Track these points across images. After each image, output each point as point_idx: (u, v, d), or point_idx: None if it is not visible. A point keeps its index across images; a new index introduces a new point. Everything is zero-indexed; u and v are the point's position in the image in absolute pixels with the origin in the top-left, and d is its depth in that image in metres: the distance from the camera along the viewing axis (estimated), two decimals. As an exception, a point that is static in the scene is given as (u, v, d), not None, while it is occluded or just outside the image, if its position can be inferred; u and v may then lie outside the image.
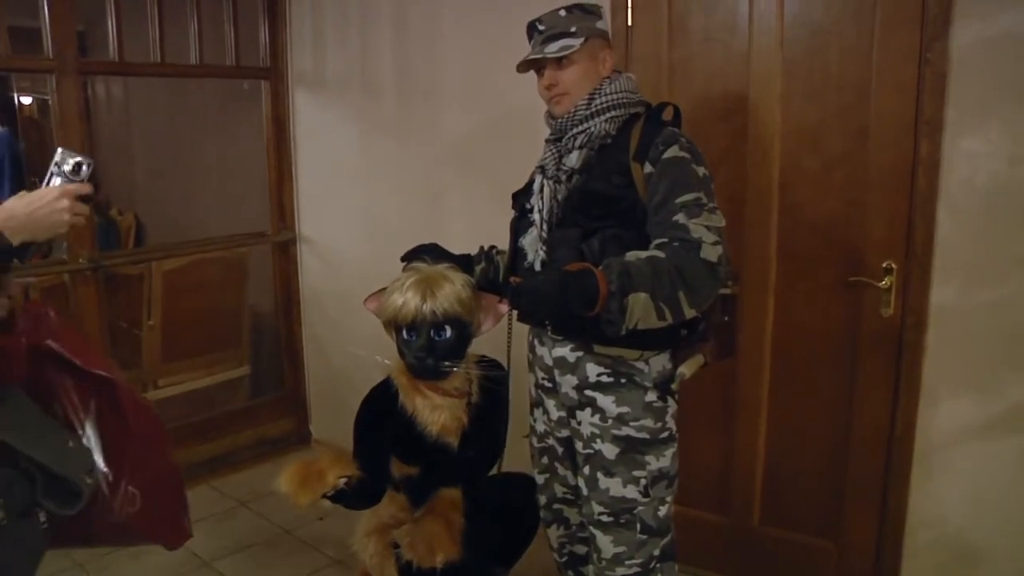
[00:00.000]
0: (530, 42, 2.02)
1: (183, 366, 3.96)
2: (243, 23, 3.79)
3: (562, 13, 1.96)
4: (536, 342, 2.13)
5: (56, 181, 1.58)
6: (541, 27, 1.98)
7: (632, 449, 1.97)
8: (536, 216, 2.02)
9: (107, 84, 5.84)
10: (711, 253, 1.75)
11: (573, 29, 1.93)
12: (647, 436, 1.96)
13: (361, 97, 3.64)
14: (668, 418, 2.00)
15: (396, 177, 3.58)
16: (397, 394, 2.15)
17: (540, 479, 2.27)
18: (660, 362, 1.97)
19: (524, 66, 2.03)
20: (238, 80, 4.10)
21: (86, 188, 1.59)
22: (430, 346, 2.03)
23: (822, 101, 2.40)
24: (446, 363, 2.05)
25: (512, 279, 1.80)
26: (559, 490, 2.23)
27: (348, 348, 3.70)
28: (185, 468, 3.54)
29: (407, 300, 2.00)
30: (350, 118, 3.70)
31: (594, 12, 1.99)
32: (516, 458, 2.37)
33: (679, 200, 1.80)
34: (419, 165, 3.48)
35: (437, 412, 2.11)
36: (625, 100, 1.97)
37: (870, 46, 2.29)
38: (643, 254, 1.75)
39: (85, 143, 3.36)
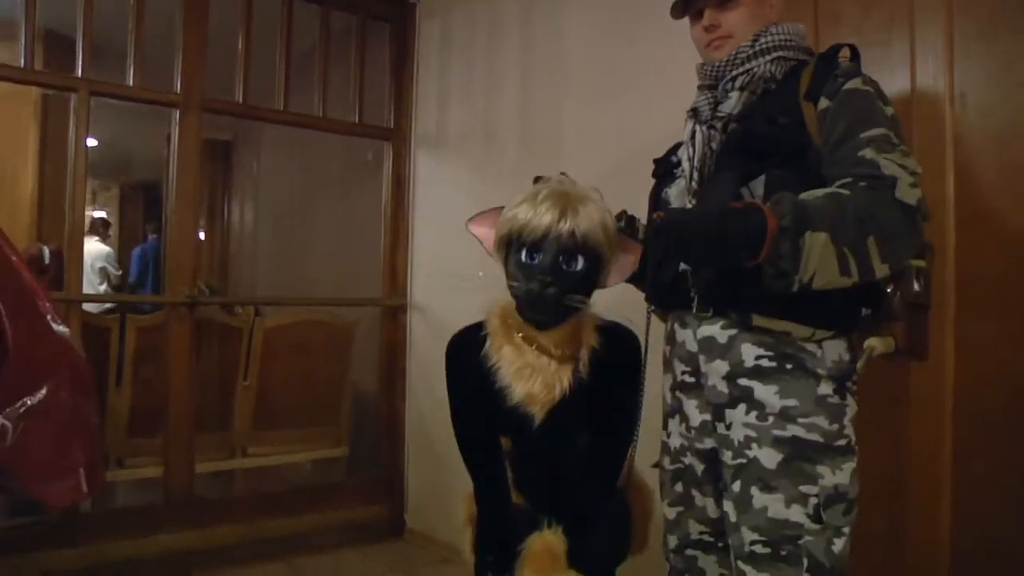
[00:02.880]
0: None
1: (276, 436, 3.69)
2: (369, 83, 3.78)
3: None
4: (677, 326, 1.72)
5: None
6: None
7: (799, 456, 1.50)
8: (686, 164, 1.68)
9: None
10: (909, 195, 1.39)
11: None
12: (820, 439, 1.50)
13: (482, 155, 3.48)
14: (846, 421, 1.53)
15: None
16: (485, 338, 1.70)
17: (672, 513, 1.77)
18: (836, 349, 1.54)
19: (679, 10, 1.75)
20: (363, 146, 4.06)
21: None
22: (556, 272, 1.59)
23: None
24: (576, 297, 1.59)
25: (656, 214, 1.41)
26: (695, 529, 1.73)
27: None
28: (261, 542, 3.32)
29: (540, 213, 1.56)
30: (469, 180, 3.53)
31: None
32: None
33: (865, 135, 1.45)
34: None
35: (526, 373, 1.64)
36: (793, 43, 1.66)
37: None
38: (821, 191, 1.40)
39: (201, 178, 3.31)
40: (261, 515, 3.38)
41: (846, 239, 1.34)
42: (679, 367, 1.71)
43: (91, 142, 3.08)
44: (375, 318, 3.90)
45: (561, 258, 1.57)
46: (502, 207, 1.68)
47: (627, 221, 1.86)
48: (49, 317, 1.61)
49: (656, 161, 1.86)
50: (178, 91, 3.22)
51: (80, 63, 3.02)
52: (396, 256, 3.84)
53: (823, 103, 1.52)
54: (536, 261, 1.58)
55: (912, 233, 1.41)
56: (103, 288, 6.41)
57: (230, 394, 3.62)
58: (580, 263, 1.58)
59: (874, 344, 1.51)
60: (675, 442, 1.75)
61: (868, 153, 1.43)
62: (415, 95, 3.83)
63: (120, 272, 6.67)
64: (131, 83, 3.13)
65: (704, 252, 1.42)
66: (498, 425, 1.73)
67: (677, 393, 1.73)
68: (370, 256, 3.92)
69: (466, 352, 1.72)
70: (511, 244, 1.63)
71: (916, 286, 1.55)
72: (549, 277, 1.56)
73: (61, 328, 1.63)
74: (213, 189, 6.67)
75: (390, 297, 3.82)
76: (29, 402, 1.57)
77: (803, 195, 1.38)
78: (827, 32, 2.23)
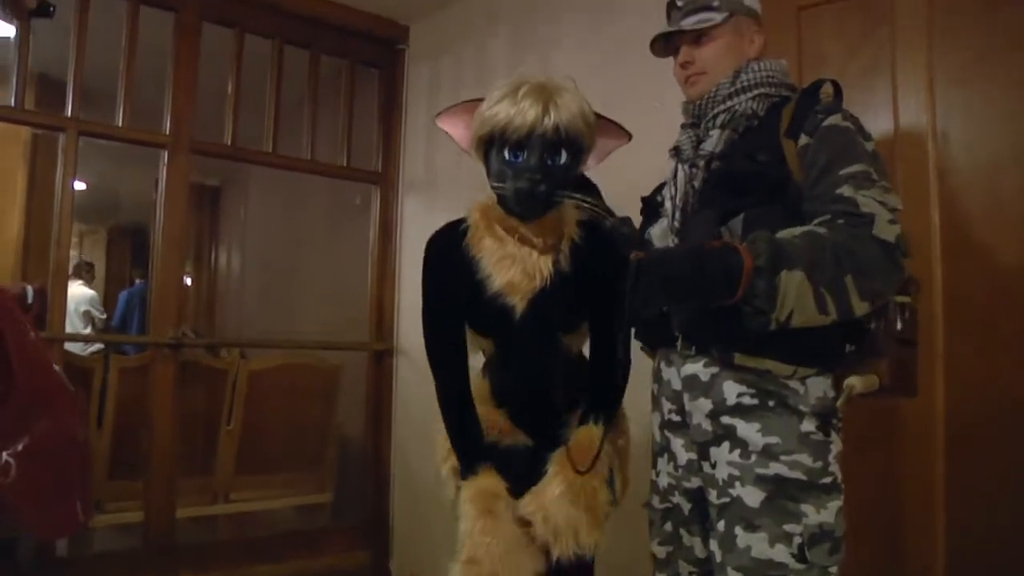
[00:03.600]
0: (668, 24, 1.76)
1: (259, 481, 3.62)
2: (358, 127, 3.80)
3: None
4: (663, 364, 1.71)
5: None
6: (680, 3, 1.72)
7: (783, 494, 1.47)
8: (668, 204, 1.69)
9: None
10: (887, 231, 1.38)
11: (715, 3, 1.66)
12: (803, 477, 1.47)
13: (470, 199, 3.47)
14: (831, 459, 1.51)
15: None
16: (465, 232, 1.73)
17: (661, 553, 1.74)
18: (820, 387, 1.52)
19: (660, 49, 1.77)
20: (351, 190, 4.07)
21: None
22: (543, 169, 1.61)
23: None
24: (562, 192, 1.62)
25: (634, 254, 1.40)
26: (685, 568, 1.70)
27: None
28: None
29: (523, 110, 1.58)
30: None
31: None
32: (630, 531, 1.88)
33: (844, 171, 1.45)
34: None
35: (506, 262, 1.67)
36: (775, 80, 1.65)
37: None
38: (798, 230, 1.40)
39: (188, 220, 3.29)
40: (243, 562, 3.29)
41: (823, 277, 1.33)
42: (666, 405, 1.70)
43: (79, 185, 3.07)
44: (361, 362, 3.85)
45: (545, 155, 1.61)
46: (474, 100, 1.72)
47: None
48: (48, 354, 1.60)
49: (644, 200, 1.86)
50: (167, 132, 3.22)
51: (70, 103, 3.02)
52: (383, 300, 3.81)
53: (803, 139, 1.52)
54: (521, 160, 1.61)
55: (891, 270, 1.40)
56: (87, 332, 6.36)
57: (213, 438, 3.56)
58: (564, 157, 1.63)
59: (853, 383, 1.47)
60: (663, 481, 1.73)
61: (846, 190, 1.42)
62: (403, 139, 3.84)
63: (105, 316, 6.62)
64: (120, 124, 3.13)
65: (682, 292, 1.42)
66: (479, 322, 1.74)
67: (665, 431, 1.71)
68: (357, 300, 3.90)
69: (447, 246, 1.75)
70: (492, 142, 1.65)
71: (900, 322, 1.53)
72: (538, 175, 1.60)
73: (55, 366, 1.62)
74: (201, 235, 6.67)
75: (377, 341, 3.78)
76: (31, 437, 1.54)
77: (781, 233, 1.39)
78: (811, 73, 2.25)
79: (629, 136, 1.79)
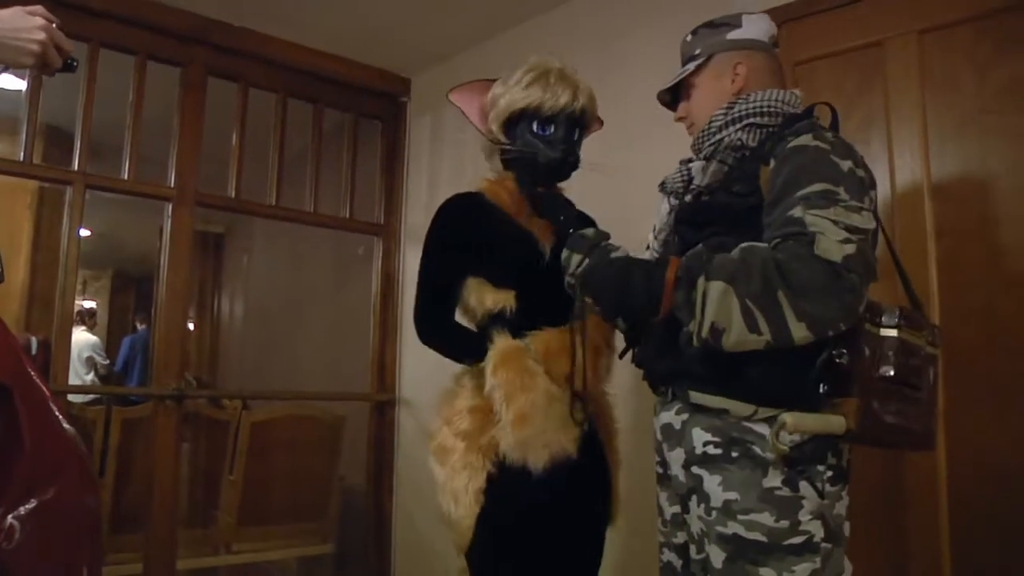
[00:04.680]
0: None
1: (261, 532, 3.59)
2: (360, 179, 3.83)
3: (688, 38, 1.72)
4: (653, 415, 1.69)
5: None
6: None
7: (742, 556, 1.39)
8: (650, 238, 1.72)
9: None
10: (832, 250, 1.25)
11: (697, 52, 1.68)
12: (762, 538, 1.37)
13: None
14: (803, 515, 1.38)
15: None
16: (480, 193, 1.90)
17: None
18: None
19: (676, 111, 1.78)
20: (354, 240, 4.08)
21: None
22: (570, 143, 1.87)
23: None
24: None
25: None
26: None
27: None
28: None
29: (556, 94, 1.82)
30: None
31: (726, 23, 1.67)
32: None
33: (800, 193, 1.33)
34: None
35: (526, 218, 1.85)
36: (771, 109, 1.55)
37: None
38: (739, 246, 1.34)
39: (192, 271, 3.31)
40: (242, 615, 3.27)
41: (750, 291, 1.25)
42: (656, 457, 1.68)
43: (84, 232, 3.08)
44: (364, 413, 3.84)
45: (568, 130, 1.86)
46: (484, 80, 1.96)
47: None
48: (60, 416, 1.56)
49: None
50: (172, 185, 3.25)
51: (77, 157, 3.04)
52: (385, 351, 3.82)
53: (771, 164, 1.44)
54: (550, 133, 1.85)
55: (833, 290, 1.25)
56: (89, 377, 6.36)
57: (215, 488, 3.55)
58: (578, 133, 1.90)
59: (785, 419, 1.29)
60: (658, 538, 1.71)
61: (797, 212, 1.32)
62: (405, 190, 3.88)
63: (108, 362, 6.62)
64: (126, 176, 3.16)
65: (610, 305, 1.49)
66: (502, 266, 1.81)
67: (659, 486, 1.69)
68: (359, 350, 3.90)
69: (464, 201, 1.90)
70: (521, 119, 1.86)
71: (881, 359, 1.34)
72: (567, 145, 1.85)
73: (68, 427, 1.58)
74: (204, 281, 6.70)
75: (379, 392, 3.78)
76: (39, 501, 1.51)
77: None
78: (807, 129, 2.29)
79: (601, 123, 2.04)
